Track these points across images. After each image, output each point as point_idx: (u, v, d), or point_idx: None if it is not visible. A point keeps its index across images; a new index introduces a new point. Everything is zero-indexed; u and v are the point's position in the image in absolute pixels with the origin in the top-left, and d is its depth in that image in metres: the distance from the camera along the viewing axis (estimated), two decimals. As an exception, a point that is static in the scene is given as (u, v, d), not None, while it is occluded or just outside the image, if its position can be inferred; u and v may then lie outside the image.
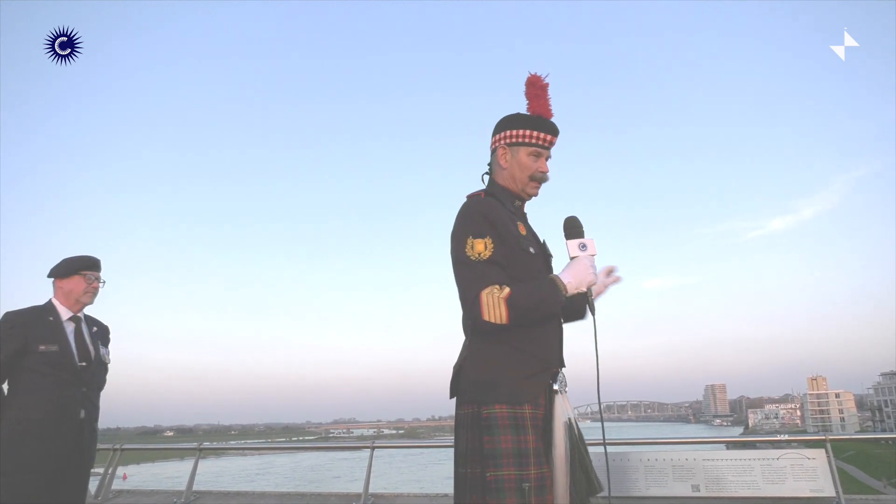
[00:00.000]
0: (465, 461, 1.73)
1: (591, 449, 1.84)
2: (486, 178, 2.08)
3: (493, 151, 2.04)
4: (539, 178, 1.99)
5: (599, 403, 1.86)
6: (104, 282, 3.07)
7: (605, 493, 1.86)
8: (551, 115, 2.00)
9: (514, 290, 1.73)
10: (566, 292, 1.80)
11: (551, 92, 2.03)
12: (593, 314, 1.90)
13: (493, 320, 1.71)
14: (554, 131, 1.99)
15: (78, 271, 2.95)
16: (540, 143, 1.97)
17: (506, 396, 1.73)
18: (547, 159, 2.01)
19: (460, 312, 1.89)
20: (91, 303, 3.01)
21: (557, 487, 1.72)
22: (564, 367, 1.91)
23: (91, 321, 3.05)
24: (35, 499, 2.65)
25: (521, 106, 2.03)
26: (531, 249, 1.89)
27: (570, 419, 1.78)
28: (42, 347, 2.77)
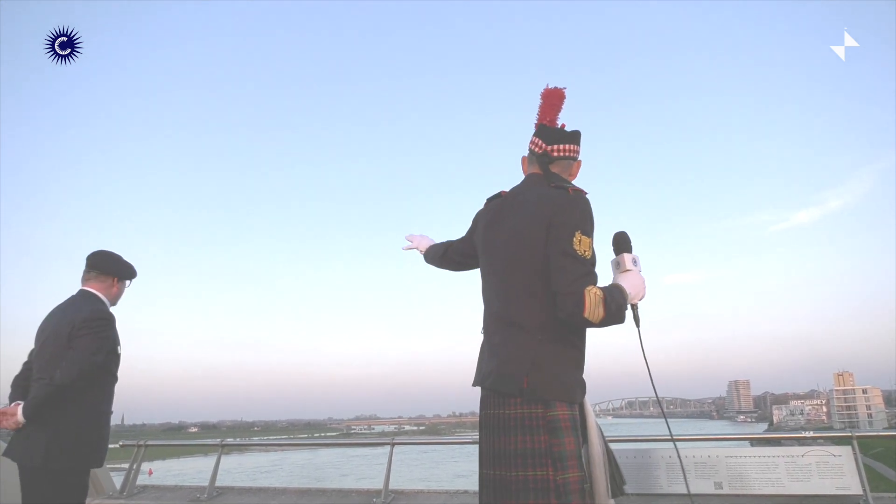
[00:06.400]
0: (525, 463, 1.70)
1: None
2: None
3: (573, 161, 2.03)
4: None
5: (662, 408, 1.86)
6: None
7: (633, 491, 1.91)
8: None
9: (606, 293, 1.73)
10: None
11: (572, 95, 2.05)
12: (638, 327, 1.92)
13: (591, 318, 1.69)
14: None
15: (130, 278, 2.92)
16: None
17: (569, 396, 1.75)
18: None
19: (498, 304, 1.89)
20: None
21: (598, 487, 1.75)
22: None
23: None
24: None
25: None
26: None
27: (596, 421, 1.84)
28: (119, 349, 2.71)
